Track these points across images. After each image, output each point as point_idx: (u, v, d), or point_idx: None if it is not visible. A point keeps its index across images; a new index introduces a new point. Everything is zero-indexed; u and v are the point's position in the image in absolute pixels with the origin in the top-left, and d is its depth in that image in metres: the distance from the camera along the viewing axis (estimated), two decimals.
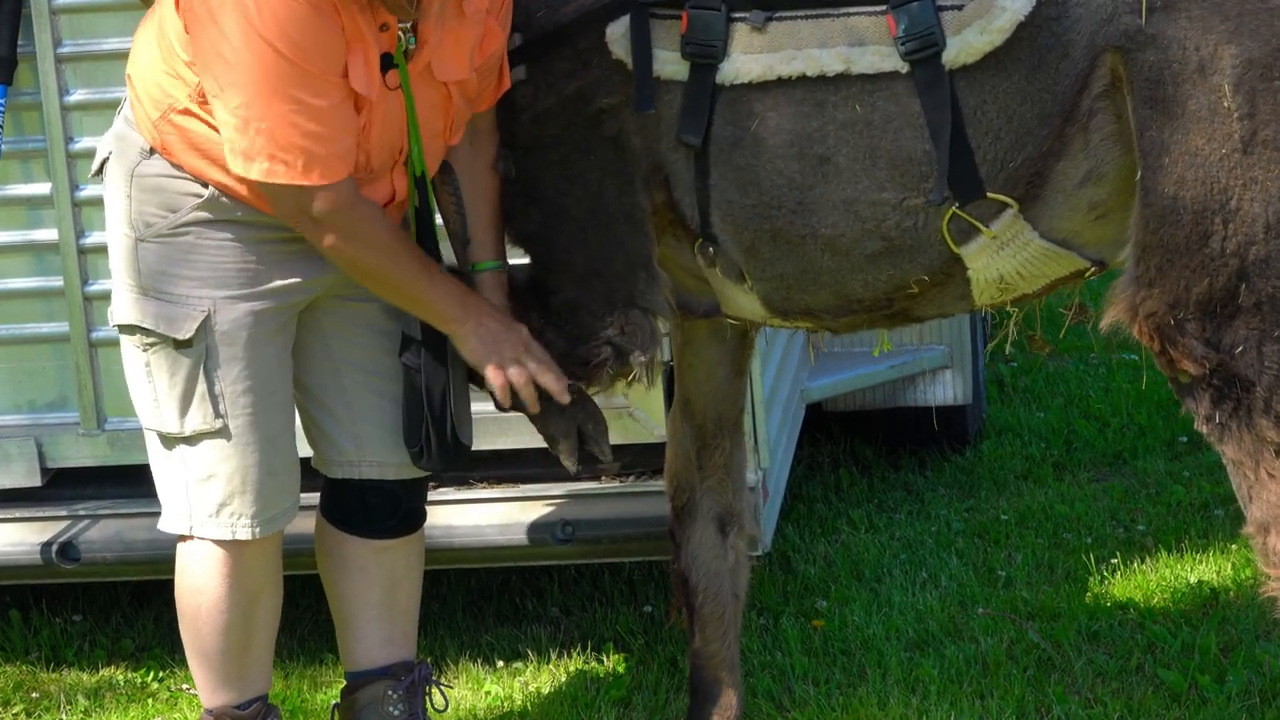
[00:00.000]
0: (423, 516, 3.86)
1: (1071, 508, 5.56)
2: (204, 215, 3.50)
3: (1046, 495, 5.71)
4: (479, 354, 3.59)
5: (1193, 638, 4.53)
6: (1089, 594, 4.87)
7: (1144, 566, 5.07)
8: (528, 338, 3.62)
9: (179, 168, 3.50)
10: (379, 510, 3.78)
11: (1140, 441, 6.16)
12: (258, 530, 3.60)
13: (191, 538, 3.63)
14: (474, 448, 3.76)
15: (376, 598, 3.80)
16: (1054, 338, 3.97)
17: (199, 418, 3.56)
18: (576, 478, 4.57)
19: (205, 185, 3.49)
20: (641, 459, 4.52)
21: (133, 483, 4.58)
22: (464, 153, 3.67)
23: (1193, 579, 4.94)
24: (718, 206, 3.56)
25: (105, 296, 4.42)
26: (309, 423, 3.76)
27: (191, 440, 3.58)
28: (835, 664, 4.57)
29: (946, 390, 5.87)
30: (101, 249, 4.42)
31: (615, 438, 4.42)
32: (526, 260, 3.77)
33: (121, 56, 4.36)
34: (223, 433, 3.56)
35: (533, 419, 3.72)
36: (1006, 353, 7.25)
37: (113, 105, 4.37)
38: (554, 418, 3.67)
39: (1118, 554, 5.14)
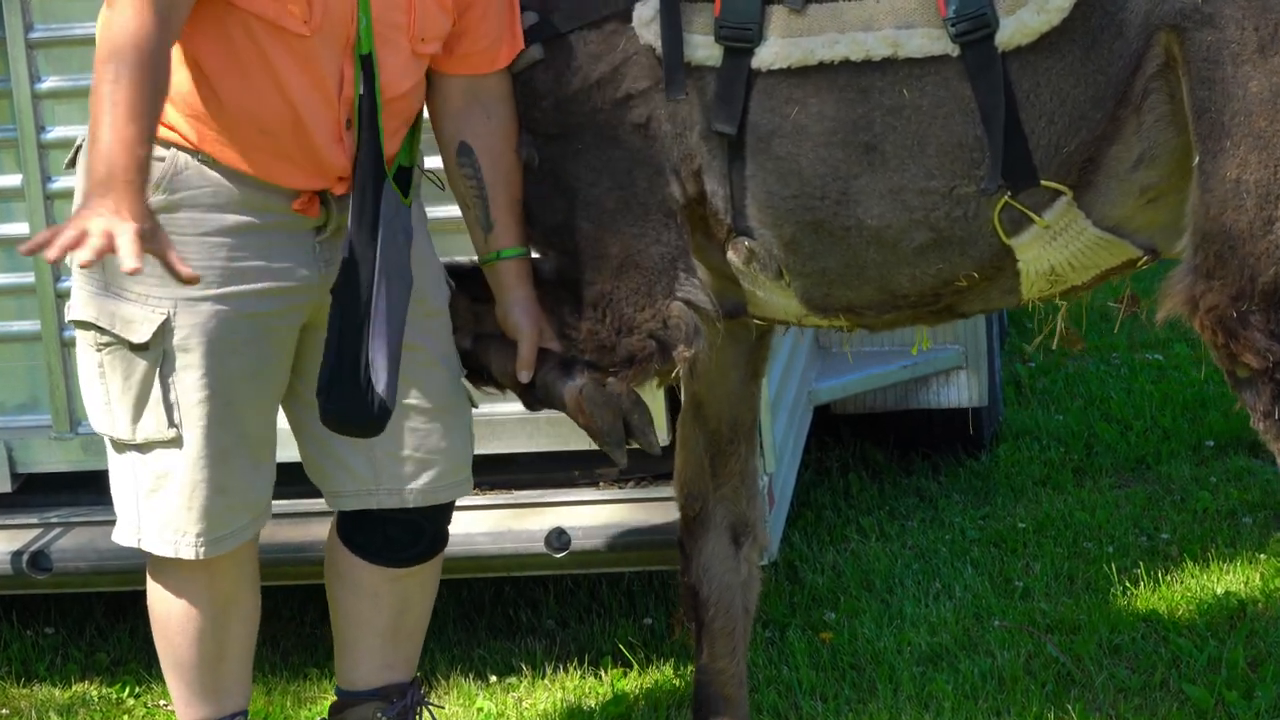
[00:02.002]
0: (444, 540, 3.82)
1: (1092, 515, 5.55)
2: (164, 199, 3.43)
3: (1066, 502, 5.70)
4: (77, 202, 3.31)
5: (1219, 651, 4.53)
6: (1110, 606, 4.87)
7: (1168, 577, 5.06)
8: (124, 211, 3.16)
9: None
10: (400, 541, 3.74)
11: (1164, 446, 6.15)
12: (202, 551, 3.55)
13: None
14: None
15: (384, 624, 3.78)
16: (1091, 334, 3.96)
17: (152, 425, 3.51)
18: (576, 483, 4.57)
19: (167, 148, 3.44)
20: (641, 464, 4.51)
21: (107, 489, 4.56)
22: (481, 127, 3.62)
23: (1219, 590, 4.94)
24: (755, 198, 3.55)
25: None
26: (321, 451, 3.69)
27: (143, 448, 3.54)
28: (844, 679, 4.56)
29: (961, 392, 5.87)
30: None
31: None
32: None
33: (95, 42, 4.38)
34: (175, 443, 3.51)
35: (575, 413, 3.69)
36: (1025, 353, 7.26)
37: (86, 93, 4.37)
38: (598, 410, 3.64)
39: (1141, 564, 5.13)
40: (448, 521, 3.81)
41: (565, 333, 3.66)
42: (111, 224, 3.08)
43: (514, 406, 4.41)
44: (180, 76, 3.40)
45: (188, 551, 3.55)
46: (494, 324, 3.73)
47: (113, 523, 4.50)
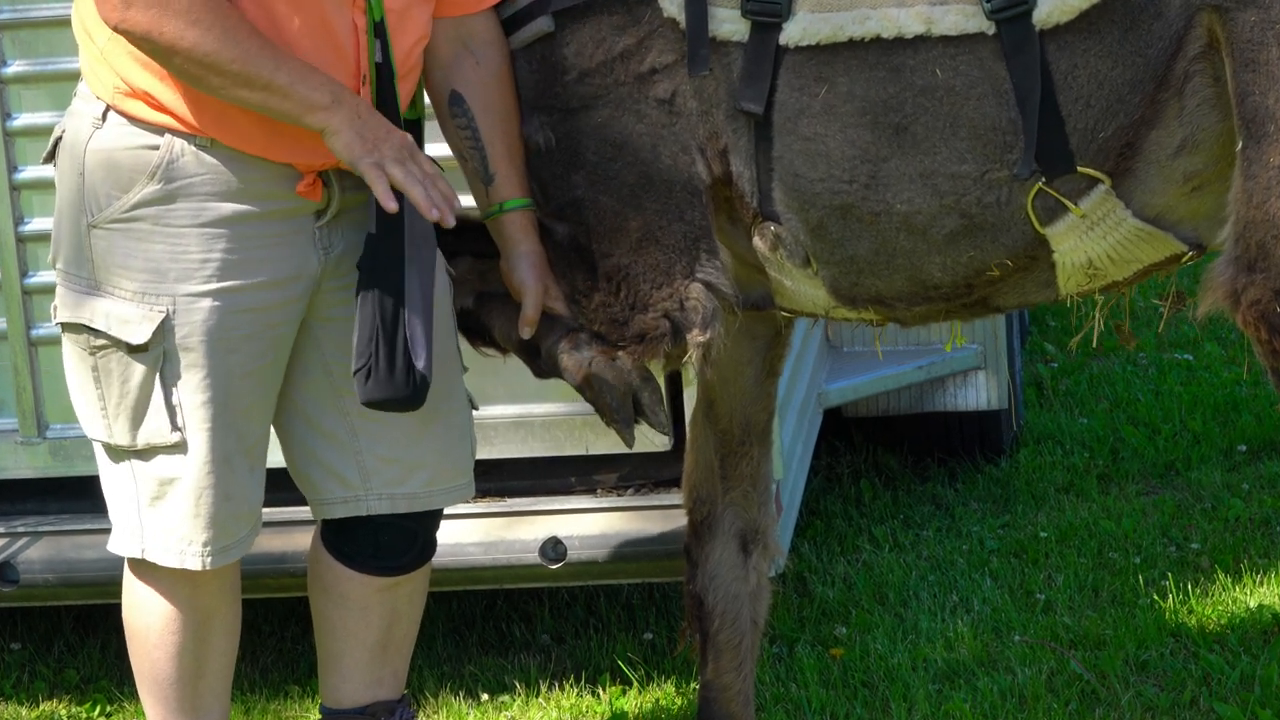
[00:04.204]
0: (433, 548, 3.83)
1: (1118, 524, 5.55)
2: (159, 189, 3.45)
3: (1090, 510, 5.70)
4: (354, 149, 3.39)
5: (1252, 668, 4.53)
6: (1137, 620, 4.87)
7: (1198, 589, 5.06)
8: (412, 143, 3.46)
9: (134, 121, 3.46)
10: (391, 548, 3.74)
11: (1194, 451, 6.15)
12: (209, 560, 3.56)
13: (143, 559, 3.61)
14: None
15: (372, 638, 3.78)
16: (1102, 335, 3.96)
17: (154, 430, 3.51)
18: (573, 490, 4.56)
19: (161, 134, 3.46)
20: (641, 470, 4.51)
21: (77, 496, 4.57)
22: (471, 74, 3.62)
23: (1252, 603, 4.94)
24: (781, 181, 3.57)
25: (47, 290, 4.41)
26: (307, 457, 3.70)
27: (145, 454, 3.54)
28: (856, 697, 4.56)
29: (979, 394, 5.87)
30: (44, 238, 4.41)
31: (611, 446, 4.43)
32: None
33: (64, 24, 4.38)
34: (179, 447, 3.51)
35: (582, 387, 3.70)
36: (1048, 353, 7.26)
37: (55, 78, 4.38)
38: (606, 385, 3.64)
39: (1169, 575, 5.14)
40: (436, 528, 3.82)
41: (575, 298, 3.67)
42: (408, 160, 3.43)
43: (507, 409, 4.43)
44: None
45: (194, 562, 3.56)
46: (499, 281, 3.73)
47: (82, 532, 4.53)
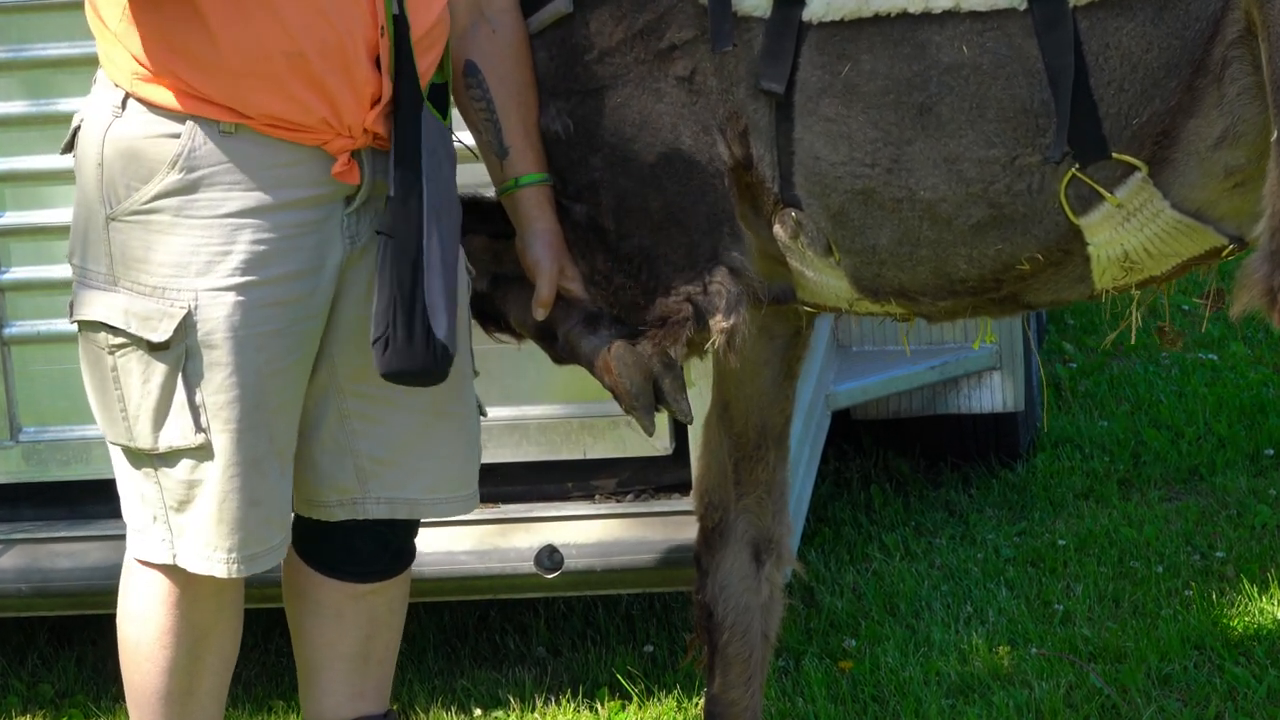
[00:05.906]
0: (412, 555, 3.82)
1: (1139, 531, 5.55)
2: (180, 179, 3.44)
3: (1110, 517, 5.70)
4: None
5: (1279, 681, 4.54)
6: (1160, 631, 4.87)
7: (1223, 599, 5.06)
8: None
9: (154, 108, 3.44)
10: (363, 553, 3.73)
11: (1219, 455, 6.15)
12: (236, 568, 3.55)
13: (153, 565, 3.60)
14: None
15: (350, 648, 3.77)
16: (1139, 331, 3.94)
17: (177, 432, 3.49)
18: (570, 497, 4.56)
19: (183, 121, 3.44)
20: (640, 475, 4.50)
21: (52, 503, 4.57)
22: (487, 43, 3.64)
23: (1279, 613, 4.95)
24: (802, 164, 3.57)
25: (20, 287, 4.44)
26: (303, 457, 3.68)
27: (168, 458, 3.52)
28: (866, 712, 4.56)
29: (995, 395, 5.87)
30: (17, 232, 4.42)
31: (610, 450, 4.43)
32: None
33: (44, 9, 4.39)
34: (204, 450, 3.50)
35: (601, 373, 3.69)
36: (1067, 353, 7.26)
37: (34, 64, 4.39)
38: (627, 370, 3.63)
39: (1193, 585, 5.14)
40: (413, 535, 3.81)
41: (594, 280, 3.67)
42: None
43: (501, 411, 4.43)
44: (182, 27, 3.39)
45: (220, 569, 3.55)
46: (514, 262, 3.73)
47: (58, 540, 4.53)
